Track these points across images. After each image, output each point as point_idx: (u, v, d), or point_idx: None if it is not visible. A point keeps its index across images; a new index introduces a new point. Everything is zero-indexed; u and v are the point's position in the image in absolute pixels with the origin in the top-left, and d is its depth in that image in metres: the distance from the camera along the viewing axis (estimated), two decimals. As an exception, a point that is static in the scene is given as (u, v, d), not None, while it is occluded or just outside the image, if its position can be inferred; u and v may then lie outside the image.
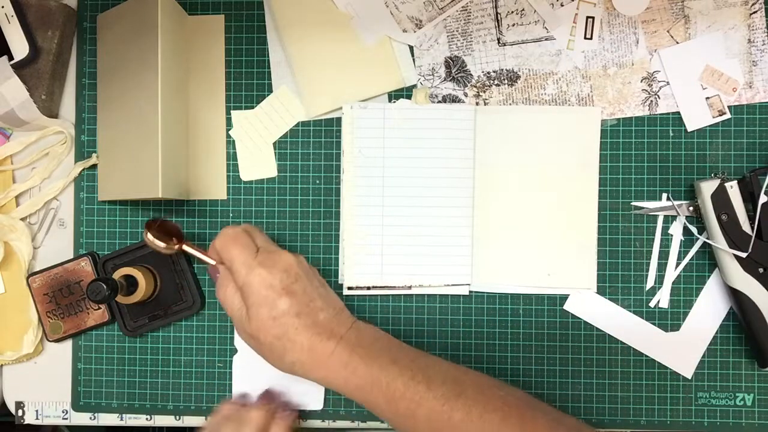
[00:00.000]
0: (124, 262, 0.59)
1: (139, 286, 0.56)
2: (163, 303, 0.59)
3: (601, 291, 0.59)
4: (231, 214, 0.60)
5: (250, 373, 0.60)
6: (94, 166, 0.60)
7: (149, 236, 0.53)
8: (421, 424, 0.46)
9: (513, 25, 0.59)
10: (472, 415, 0.45)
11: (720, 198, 0.55)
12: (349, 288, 0.59)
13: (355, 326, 0.50)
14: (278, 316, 0.47)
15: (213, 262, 0.52)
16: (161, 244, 0.53)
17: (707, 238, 0.56)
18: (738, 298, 0.55)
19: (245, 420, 0.54)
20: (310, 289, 0.50)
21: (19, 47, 0.57)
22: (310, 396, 0.59)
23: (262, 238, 0.53)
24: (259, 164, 0.60)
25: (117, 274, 0.56)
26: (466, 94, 0.59)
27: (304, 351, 0.48)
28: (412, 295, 0.59)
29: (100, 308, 0.59)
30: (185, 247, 0.53)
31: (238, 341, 0.60)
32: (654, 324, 0.58)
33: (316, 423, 0.60)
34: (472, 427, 0.44)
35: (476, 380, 0.48)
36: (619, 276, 0.59)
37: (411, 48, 0.59)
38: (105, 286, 0.52)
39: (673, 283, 0.58)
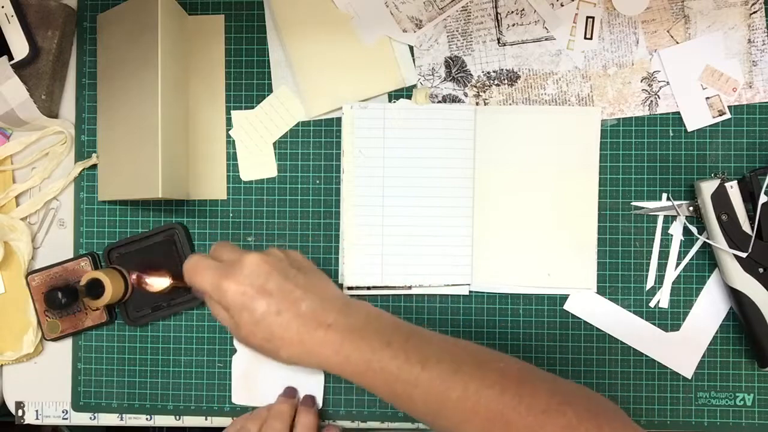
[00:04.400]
0: (129, 252, 0.59)
1: (105, 291, 0.55)
2: (167, 294, 0.59)
3: (601, 291, 0.59)
4: (231, 214, 0.60)
5: (249, 373, 0.60)
6: (94, 166, 0.60)
7: (141, 278, 0.56)
8: (419, 405, 0.46)
9: (513, 25, 0.59)
10: (468, 392, 0.44)
11: (720, 198, 0.55)
12: (349, 288, 0.59)
13: (344, 310, 0.48)
14: (260, 319, 0.47)
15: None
16: (161, 285, 0.56)
17: (707, 238, 0.56)
18: (738, 298, 0.55)
19: (272, 414, 0.55)
20: (286, 283, 0.48)
21: (19, 47, 0.57)
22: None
23: (228, 250, 0.51)
24: (259, 164, 0.60)
25: (84, 278, 0.56)
26: (466, 94, 0.59)
27: (295, 345, 0.47)
28: (412, 295, 0.59)
29: (98, 309, 0.59)
30: (174, 282, 0.57)
31: (238, 342, 0.60)
32: (654, 324, 0.58)
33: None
34: (470, 403, 0.44)
35: (474, 354, 0.47)
36: (619, 276, 0.59)
37: (411, 48, 0.59)
38: (60, 294, 0.53)
39: (673, 283, 0.58)
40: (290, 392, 0.59)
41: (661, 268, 0.58)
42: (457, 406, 0.44)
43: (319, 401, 0.59)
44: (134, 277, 0.57)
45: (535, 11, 0.58)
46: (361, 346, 0.46)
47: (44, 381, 0.61)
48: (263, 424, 0.55)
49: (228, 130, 0.60)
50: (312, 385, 0.59)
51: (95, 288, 0.55)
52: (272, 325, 0.47)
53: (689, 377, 0.58)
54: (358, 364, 0.46)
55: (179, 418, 0.61)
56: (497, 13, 0.59)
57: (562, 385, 0.46)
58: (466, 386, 0.44)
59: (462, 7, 0.59)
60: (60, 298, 0.52)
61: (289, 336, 0.47)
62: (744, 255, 0.54)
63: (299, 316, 0.47)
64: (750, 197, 0.55)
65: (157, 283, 0.57)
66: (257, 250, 0.50)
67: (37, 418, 0.62)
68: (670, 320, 0.58)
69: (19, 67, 0.57)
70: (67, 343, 0.61)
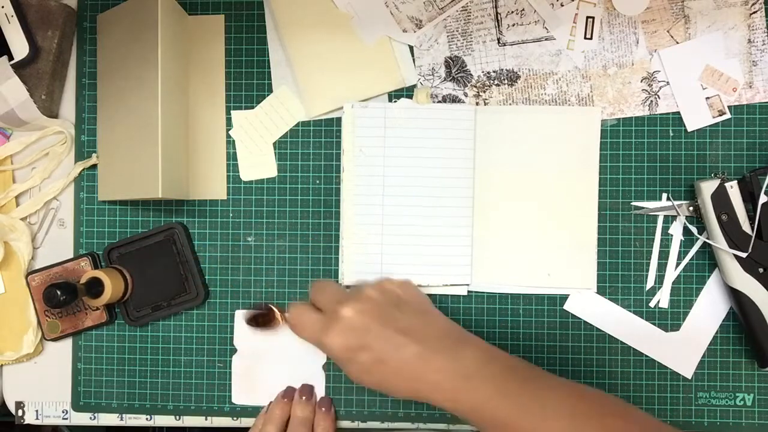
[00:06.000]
0: (129, 252, 0.59)
1: (105, 290, 0.55)
2: (167, 294, 0.59)
3: (601, 291, 0.59)
4: (231, 214, 0.60)
5: (249, 373, 0.60)
6: (94, 166, 0.60)
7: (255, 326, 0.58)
8: None
9: (513, 25, 0.59)
10: None
11: (720, 198, 0.55)
12: (348, 287, 0.59)
13: (452, 353, 0.47)
14: (367, 368, 0.47)
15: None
16: (270, 328, 0.58)
17: (707, 238, 0.56)
18: (738, 298, 0.55)
19: (299, 420, 0.56)
20: (385, 330, 0.47)
21: (19, 47, 0.57)
22: (310, 396, 0.60)
23: (327, 297, 0.51)
24: (259, 164, 0.60)
25: (84, 277, 0.56)
26: (466, 94, 0.59)
27: (405, 391, 0.47)
28: (412, 295, 0.59)
29: (98, 309, 0.59)
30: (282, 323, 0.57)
31: (238, 341, 0.60)
32: (654, 324, 0.58)
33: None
34: None
35: (597, 405, 0.45)
36: (619, 276, 0.59)
37: (411, 48, 0.59)
38: (59, 292, 0.52)
39: (673, 283, 0.58)
40: (308, 392, 0.58)
41: (661, 268, 0.58)
42: None
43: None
44: (250, 324, 0.58)
45: (535, 11, 0.58)
46: (473, 396, 0.45)
47: (44, 381, 0.61)
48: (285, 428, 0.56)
49: (228, 130, 0.60)
50: (313, 384, 0.59)
51: (95, 287, 0.55)
52: (381, 373, 0.47)
53: (689, 377, 0.58)
54: (470, 412, 0.46)
55: (179, 418, 0.61)
56: (497, 13, 0.59)
57: None
58: None
59: (462, 7, 0.59)
60: (59, 296, 0.52)
61: (401, 382, 0.47)
62: (744, 255, 0.54)
63: (406, 363, 0.46)
64: (750, 197, 0.55)
65: (270, 326, 0.57)
66: (353, 296, 0.50)
67: (37, 418, 0.62)
68: (670, 320, 0.58)
69: (19, 67, 0.57)
70: (67, 343, 0.61)
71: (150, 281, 0.59)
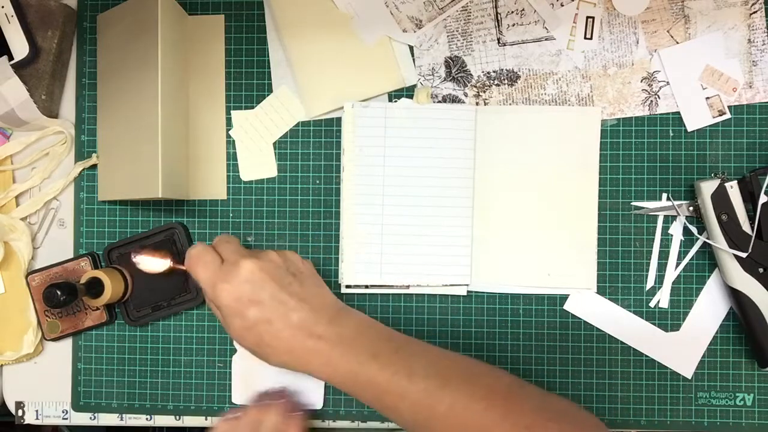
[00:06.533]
0: (129, 252, 0.59)
1: (105, 290, 0.55)
2: (167, 294, 0.59)
3: (601, 291, 0.59)
4: (231, 214, 0.60)
5: (249, 373, 0.60)
6: (94, 166, 0.60)
7: (140, 256, 0.55)
8: (407, 416, 0.46)
9: (513, 25, 0.59)
10: (455, 407, 0.45)
11: (720, 198, 0.55)
12: (347, 286, 0.59)
13: (335, 320, 0.49)
14: (251, 326, 0.47)
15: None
16: (161, 266, 0.54)
17: (707, 238, 0.56)
18: (738, 298, 0.55)
19: (262, 422, 0.53)
20: (279, 292, 0.48)
21: (19, 47, 0.57)
22: (310, 396, 0.59)
23: (230, 248, 0.51)
24: (259, 164, 0.60)
25: (84, 277, 0.56)
26: (466, 94, 0.59)
27: (284, 353, 0.48)
28: (411, 295, 0.59)
29: (98, 309, 0.59)
30: (173, 265, 0.55)
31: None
32: (654, 324, 0.58)
33: (316, 423, 0.60)
34: (456, 418, 0.44)
35: (464, 368, 0.48)
36: (619, 276, 0.59)
37: (411, 48, 0.59)
38: (59, 292, 0.52)
39: (673, 283, 0.58)
40: (277, 395, 0.57)
41: (661, 268, 0.58)
42: (444, 421, 0.45)
43: (320, 401, 0.59)
44: (135, 256, 0.55)
45: (535, 11, 0.58)
46: (349, 358, 0.47)
47: (44, 381, 0.61)
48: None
49: (228, 130, 0.60)
50: (312, 384, 0.59)
51: (95, 287, 0.55)
52: (262, 333, 0.47)
53: (689, 377, 0.58)
54: (345, 376, 0.47)
55: (179, 418, 0.61)
56: (497, 13, 0.59)
57: (551, 402, 0.47)
58: (453, 401, 0.45)
59: (462, 7, 0.59)
60: (59, 296, 0.52)
61: (279, 345, 0.48)
62: (744, 255, 0.54)
63: (290, 327, 0.48)
64: (750, 197, 0.55)
65: (157, 264, 0.55)
66: (255, 254, 0.50)
67: (37, 418, 0.62)
68: (670, 320, 0.58)
69: (19, 67, 0.57)
70: (67, 343, 0.61)
71: (150, 281, 0.59)
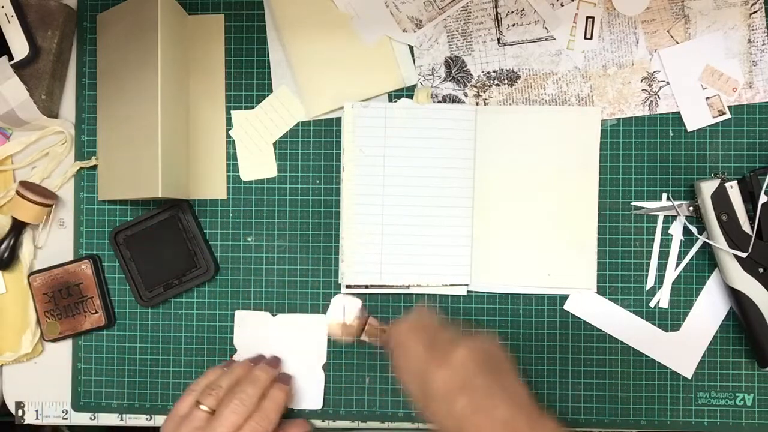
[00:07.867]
0: (136, 233, 0.59)
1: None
2: (177, 271, 0.59)
3: (601, 291, 0.59)
4: (231, 214, 0.60)
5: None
6: (94, 166, 0.60)
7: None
8: None
9: (513, 25, 0.59)
10: None
11: (720, 198, 0.55)
12: (348, 286, 0.59)
13: (533, 425, 0.47)
14: (456, 414, 0.46)
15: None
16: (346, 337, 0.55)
17: (707, 238, 0.56)
18: (738, 298, 0.55)
19: (250, 378, 0.54)
20: (491, 382, 0.47)
21: (19, 47, 0.57)
22: (309, 395, 0.60)
23: (438, 332, 0.51)
24: (259, 164, 0.60)
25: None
26: (466, 94, 0.59)
27: None
28: (411, 294, 0.59)
29: (97, 312, 0.59)
30: (364, 338, 0.55)
31: (238, 341, 0.60)
32: (654, 324, 0.58)
33: (317, 423, 0.60)
34: None
35: None
36: (619, 276, 0.59)
37: (411, 48, 0.59)
38: None
39: (673, 283, 0.58)
40: (274, 362, 0.58)
41: (661, 268, 0.58)
42: None
43: (320, 401, 0.59)
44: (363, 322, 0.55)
45: (535, 11, 0.58)
46: None
47: (44, 381, 0.61)
48: (236, 385, 0.53)
49: (228, 130, 0.60)
50: (312, 384, 0.59)
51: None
52: (464, 422, 0.46)
53: (689, 377, 0.58)
54: None
55: (179, 418, 0.61)
56: (497, 13, 0.59)
57: None
58: None
59: (462, 7, 0.59)
60: None
61: None
62: (744, 255, 0.54)
63: (493, 421, 0.46)
64: (750, 197, 0.55)
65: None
66: (468, 340, 0.49)
67: (37, 418, 0.62)
68: (670, 320, 0.58)
69: (19, 67, 0.57)
70: (67, 344, 0.61)
71: (159, 260, 0.59)
